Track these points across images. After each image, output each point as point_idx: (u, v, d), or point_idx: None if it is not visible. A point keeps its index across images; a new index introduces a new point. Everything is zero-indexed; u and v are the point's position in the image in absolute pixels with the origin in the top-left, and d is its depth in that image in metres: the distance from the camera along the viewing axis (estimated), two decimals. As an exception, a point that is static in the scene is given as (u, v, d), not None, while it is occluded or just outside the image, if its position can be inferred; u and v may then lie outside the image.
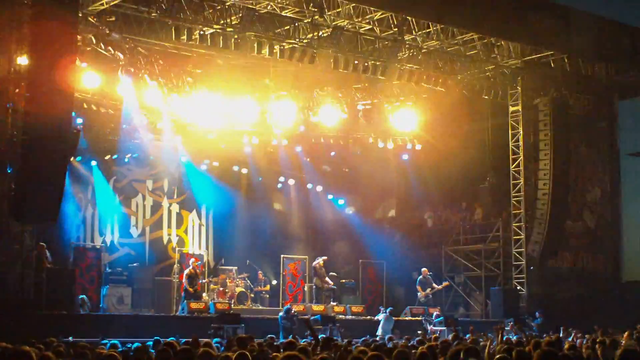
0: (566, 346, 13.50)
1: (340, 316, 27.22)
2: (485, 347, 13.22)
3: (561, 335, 20.54)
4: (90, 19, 22.97)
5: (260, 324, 24.41)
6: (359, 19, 25.30)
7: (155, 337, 16.41)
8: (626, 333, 16.44)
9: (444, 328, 25.06)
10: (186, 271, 26.54)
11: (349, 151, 33.34)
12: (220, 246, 31.79)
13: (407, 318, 27.73)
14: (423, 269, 29.75)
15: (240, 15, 24.23)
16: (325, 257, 29.38)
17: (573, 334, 21.05)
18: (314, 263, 29.15)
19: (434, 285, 29.48)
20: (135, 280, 27.81)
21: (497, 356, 10.10)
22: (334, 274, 30.14)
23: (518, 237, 30.05)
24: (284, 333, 23.06)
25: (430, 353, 11.15)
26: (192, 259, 27.56)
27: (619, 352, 9.11)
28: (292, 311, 24.64)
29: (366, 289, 30.86)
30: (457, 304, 31.79)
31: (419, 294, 29.23)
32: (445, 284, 30.03)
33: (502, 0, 27.48)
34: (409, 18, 25.79)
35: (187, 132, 29.64)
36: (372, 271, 31.39)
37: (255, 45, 24.67)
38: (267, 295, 29.74)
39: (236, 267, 29.23)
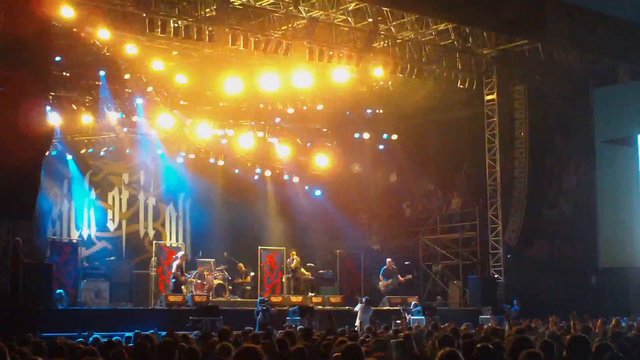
0: (547, 333, 13.60)
1: (319, 307, 27.23)
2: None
3: (549, 325, 20.52)
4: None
5: (238, 316, 24.38)
6: (334, 10, 25.24)
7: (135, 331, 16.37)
8: (599, 321, 16.54)
9: (423, 317, 25.14)
10: (176, 262, 26.35)
11: (326, 141, 33.37)
12: (198, 238, 31.77)
13: (385, 308, 27.78)
14: (388, 259, 29.79)
15: (215, 7, 24.14)
16: (294, 252, 29.29)
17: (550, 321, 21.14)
18: (289, 261, 29.11)
19: (399, 276, 29.49)
20: (113, 274, 27.75)
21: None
22: (311, 264, 30.20)
23: (495, 225, 30.13)
24: (260, 325, 23.03)
25: (407, 341, 11.21)
26: (181, 252, 27.34)
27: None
28: (267, 303, 24.63)
29: (344, 280, 30.82)
30: (435, 292, 31.86)
31: (380, 283, 29.29)
32: (408, 277, 29.93)
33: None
34: (384, 9, 25.78)
35: (163, 125, 29.58)
36: (349, 261, 31.37)
37: (230, 37, 24.58)
38: (249, 287, 29.69)
39: (214, 260, 29.16)
